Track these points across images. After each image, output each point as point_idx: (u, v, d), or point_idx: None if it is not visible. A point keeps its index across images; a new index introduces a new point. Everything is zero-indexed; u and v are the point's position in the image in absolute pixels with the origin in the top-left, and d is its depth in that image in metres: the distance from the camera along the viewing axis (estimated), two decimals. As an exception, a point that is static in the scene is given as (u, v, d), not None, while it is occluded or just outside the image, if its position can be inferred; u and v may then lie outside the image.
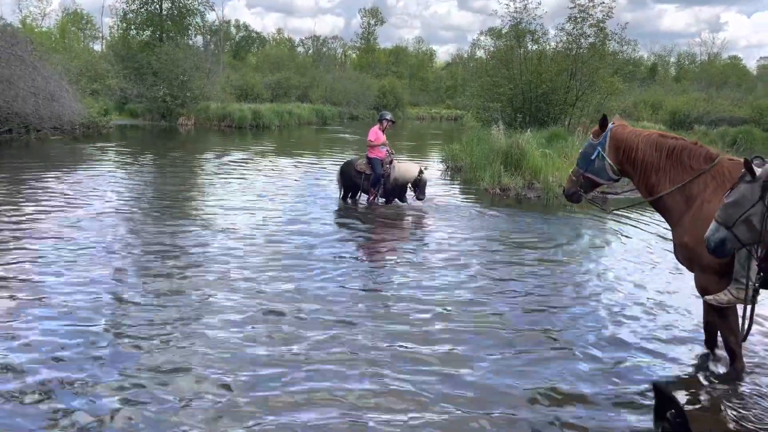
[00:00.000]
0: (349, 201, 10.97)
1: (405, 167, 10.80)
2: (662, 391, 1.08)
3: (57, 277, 5.89)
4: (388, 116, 11.11)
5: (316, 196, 11.46)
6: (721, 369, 4.42)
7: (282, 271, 6.39)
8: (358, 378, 4.09)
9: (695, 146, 4.36)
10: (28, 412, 3.51)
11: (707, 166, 4.22)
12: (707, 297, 4.14)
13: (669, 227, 4.57)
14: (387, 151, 10.81)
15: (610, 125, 4.66)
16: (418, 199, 10.63)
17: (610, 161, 4.60)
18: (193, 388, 3.87)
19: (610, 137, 4.60)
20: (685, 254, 4.29)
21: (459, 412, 3.73)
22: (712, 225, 3.48)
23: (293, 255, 7.09)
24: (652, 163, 4.41)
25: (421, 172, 10.57)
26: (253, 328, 4.85)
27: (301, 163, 17.57)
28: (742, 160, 4.14)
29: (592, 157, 4.68)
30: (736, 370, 4.30)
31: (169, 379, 3.99)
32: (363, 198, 11.01)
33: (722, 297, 4.02)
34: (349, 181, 10.88)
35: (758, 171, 3.33)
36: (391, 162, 10.71)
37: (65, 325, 4.75)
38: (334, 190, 11.75)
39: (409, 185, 10.69)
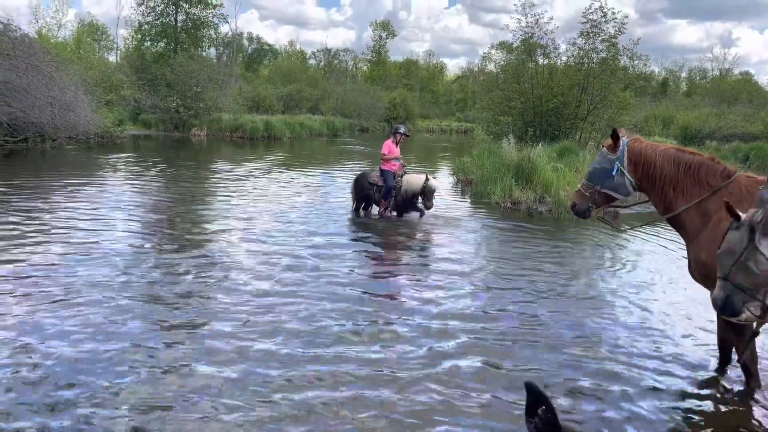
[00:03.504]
0: (362, 213, 11.03)
1: (412, 178, 10.78)
2: (534, 389, 1.15)
3: (70, 279, 5.97)
4: (402, 129, 11.15)
5: (328, 208, 11.52)
6: (736, 388, 4.42)
7: (292, 285, 6.41)
8: (370, 395, 4.11)
9: (712, 162, 4.35)
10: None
11: (724, 183, 4.22)
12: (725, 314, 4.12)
13: (684, 243, 4.58)
14: (401, 164, 10.86)
15: (624, 139, 4.61)
16: (426, 207, 10.57)
17: (629, 176, 4.55)
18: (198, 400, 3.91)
19: (627, 151, 4.53)
20: (702, 271, 4.28)
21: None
22: (717, 284, 3.36)
23: (304, 267, 7.13)
24: (670, 178, 4.38)
25: (427, 179, 10.54)
26: (260, 341, 4.88)
27: (313, 174, 17.66)
28: (760, 177, 4.17)
29: (613, 173, 4.57)
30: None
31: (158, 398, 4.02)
32: (375, 210, 11.08)
33: (741, 314, 4.02)
34: (362, 192, 10.95)
35: (743, 216, 3.24)
36: (402, 175, 10.76)
37: (79, 331, 4.81)
38: (345, 203, 11.82)
39: (419, 195, 10.64)
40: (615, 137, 4.59)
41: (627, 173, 4.53)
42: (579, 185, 4.89)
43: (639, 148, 4.53)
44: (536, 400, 1.32)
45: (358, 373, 4.33)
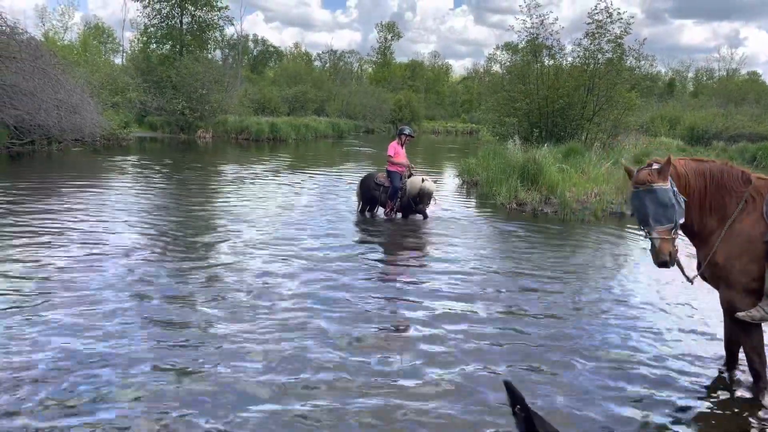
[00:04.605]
0: (367, 214, 11.01)
1: (413, 180, 10.76)
2: (510, 388, 1.21)
3: (72, 285, 5.98)
4: (407, 131, 11.10)
5: (334, 210, 11.52)
6: (744, 390, 4.38)
7: (298, 287, 6.41)
8: (376, 401, 4.10)
9: (727, 167, 4.31)
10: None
11: (747, 188, 4.18)
12: (740, 314, 4.08)
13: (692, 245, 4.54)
14: (407, 165, 10.82)
15: (655, 166, 4.20)
16: (421, 210, 10.57)
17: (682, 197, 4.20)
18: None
19: (672, 177, 4.16)
20: (714, 272, 4.25)
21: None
22: None
23: (310, 269, 7.12)
24: (701, 190, 4.25)
25: (423, 181, 10.48)
26: (265, 344, 4.87)
27: (319, 176, 17.68)
28: None
29: (679, 201, 4.12)
30: (760, 391, 4.26)
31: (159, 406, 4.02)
32: (380, 211, 11.05)
33: (755, 313, 4.02)
34: (368, 193, 10.91)
35: None
36: (409, 176, 10.73)
37: (81, 337, 4.81)
38: (351, 204, 11.79)
39: (417, 197, 10.61)
40: (669, 163, 4.14)
41: (680, 195, 4.17)
42: (657, 237, 4.11)
43: (673, 168, 4.22)
44: (514, 399, 1.33)
45: (366, 382, 4.32)
